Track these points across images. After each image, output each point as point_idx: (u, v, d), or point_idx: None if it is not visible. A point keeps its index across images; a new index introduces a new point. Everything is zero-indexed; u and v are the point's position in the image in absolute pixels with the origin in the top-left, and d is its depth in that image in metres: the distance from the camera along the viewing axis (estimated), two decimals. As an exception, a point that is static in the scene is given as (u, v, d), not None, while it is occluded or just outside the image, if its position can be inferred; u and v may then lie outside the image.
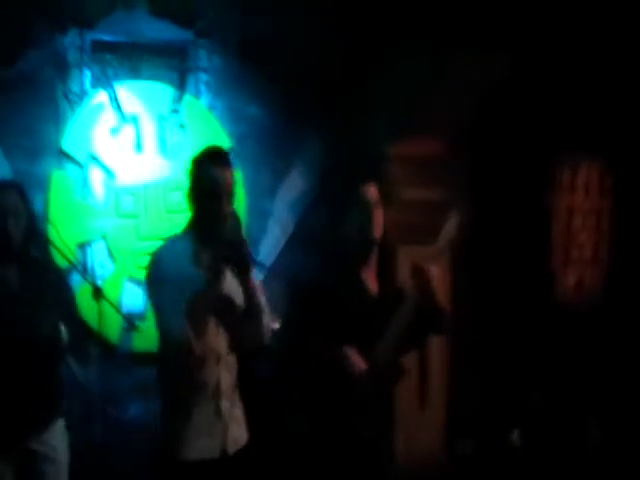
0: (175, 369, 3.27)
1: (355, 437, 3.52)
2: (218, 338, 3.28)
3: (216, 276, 3.10)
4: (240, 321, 3.31)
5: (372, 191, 3.62)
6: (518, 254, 5.46)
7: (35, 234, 3.83)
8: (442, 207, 5.31)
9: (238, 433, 3.40)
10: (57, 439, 3.71)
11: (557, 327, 5.38)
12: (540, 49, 5.06)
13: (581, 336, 5.33)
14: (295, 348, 3.67)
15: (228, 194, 3.24)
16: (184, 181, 4.99)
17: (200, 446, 3.26)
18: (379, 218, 3.61)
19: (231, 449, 3.33)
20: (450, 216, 3.55)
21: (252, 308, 3.30)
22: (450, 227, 3.55)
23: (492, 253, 5.42)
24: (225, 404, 3.32)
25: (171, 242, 3.33)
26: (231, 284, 3.29)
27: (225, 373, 3.34)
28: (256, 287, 3.30)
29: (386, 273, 3.73)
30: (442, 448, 5.15)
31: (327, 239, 3.87)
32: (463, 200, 3.66)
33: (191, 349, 3.10)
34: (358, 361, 3.51)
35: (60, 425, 3.73)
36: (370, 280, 3.68)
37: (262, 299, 3.33)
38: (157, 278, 3.21)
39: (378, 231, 3.60)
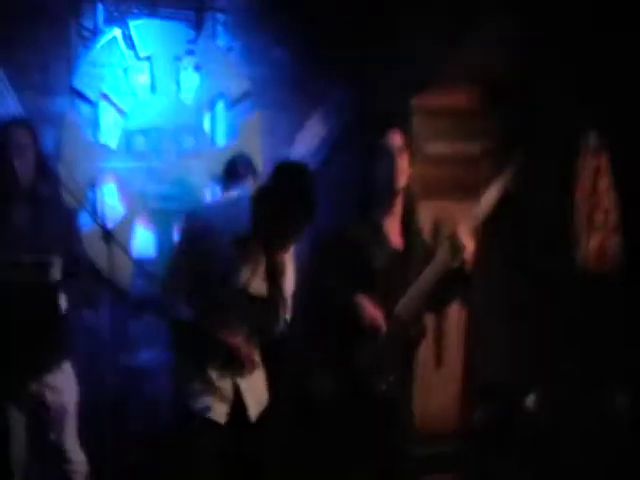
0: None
1: (376, 397, 3.47)
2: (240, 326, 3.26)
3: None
4: (259, 312, 3.27)
5: (397, 138, 3.52)
6: (541, 215, 5.32)
7: (45, 173, 3.74)
8: (471, 162, 5.22)
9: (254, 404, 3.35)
10: (63, 381, 3.64)
11: (577, 292, 5.25)
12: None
13: (602, 302, 5.21)
14: (316, 296, 3.56)
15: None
16: (198, 125, 5.03)
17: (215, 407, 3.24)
18: (403, 166, 3.51)
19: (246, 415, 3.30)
20: (494, 181, 3.44)
21: (273, 302, 3.24)
22: (493, 191, 3.45)
23: (514, 212, 5.28)
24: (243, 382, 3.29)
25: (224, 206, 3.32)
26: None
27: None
28: (283, 286, 3.24)
29: (410, 224, 3.62)
30: (458, 411, 5.06)
31: (350, 186, 3.76)
32: (512, 165, 3.51)
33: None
34: (374, 311, 3.40)
35: (66, 367, 3.65)
36: (393, 230, 3.61)
37: (285, 293, 3.27)
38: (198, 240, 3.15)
39: (402, 179, 3.51)
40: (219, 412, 3.24)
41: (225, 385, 3.26)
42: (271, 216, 3.03)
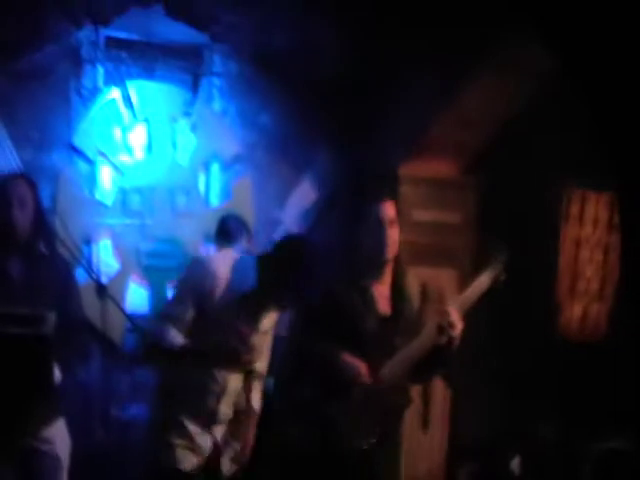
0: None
1: (357, 458, 3.44)
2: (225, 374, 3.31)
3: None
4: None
5: (389, 209, 3.52)
6: (524, 283, 5.39)
7: (42, 227, 3.74)
8: (453, 230, 5.31)
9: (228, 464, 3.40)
10: (56, 432, 3.59)
11: (560, 358, 5.31)
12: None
13: (584, 369, 5.27)
14: (300, 352, 3.61)
15: None
16: (192, 185, 5.12)
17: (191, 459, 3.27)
18: (395, 236, 3.51)
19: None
20: (487, 267, 3.47)
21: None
22: (484, 279, 3.45)
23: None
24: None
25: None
26: None
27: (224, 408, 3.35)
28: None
29: (401, 290, 3.64)
30: (443, 473, 5.06)
31: (340, 252, 3.80)
32: (504, 252, 3.57)
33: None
34: (358, 362, 3.42)
35: (60, 423, 3.63)
36: (381, 296, 3.59)
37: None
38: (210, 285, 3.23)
39: (393, 250, 3.52)
40: (191, 464, 3.27)
41: (203, 442, 3.30)
42: (273, 281, 3.18)
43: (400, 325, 3.54)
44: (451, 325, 3.36)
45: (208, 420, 3.31)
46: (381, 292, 3.59)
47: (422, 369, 3.51)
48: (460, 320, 3.38)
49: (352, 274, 3.57)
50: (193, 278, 3.31)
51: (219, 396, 3.31)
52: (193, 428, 3.27)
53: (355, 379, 3.41)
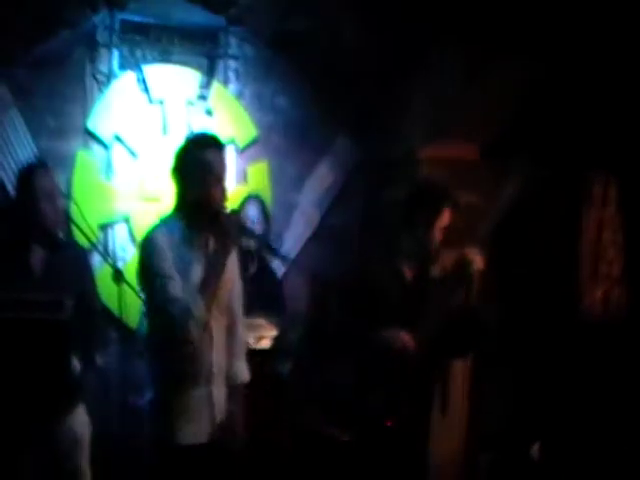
0: (172, 352, 3.20)
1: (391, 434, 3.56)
2: (212, 321, 3.25)
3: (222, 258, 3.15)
4: None
5: (446, 217, 3.73)
6: (546, 266, 5.35)
7: (62, 216, 3.75)
8: (473, 212, 5.27)
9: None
10: (77, 421, 3.64)
11: (582, 341, 5.26)
12: (577, 56, 4.96)
13: (606, 351, 5.22)
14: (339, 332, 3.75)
15: (222, 179, 3.24)
16: None
17: (191, 431, 3.22)
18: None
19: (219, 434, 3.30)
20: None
21: None
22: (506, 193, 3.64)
23: (518, 263, 5.32)
24: (216, 390, 3.29)
25: (162, 224, 3.29)
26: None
27: (218, 358, 3.30)
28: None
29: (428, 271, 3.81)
30: (462, 459, 5.04)
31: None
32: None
33: (207, 325, 3.13)
34: (403, 334, 3.58)
35: (80, 409, 3.65)
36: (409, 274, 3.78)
37: None
38: (159, 256, 3.15)
39: (436, 249, 3.77)
40: (202, 433, 3.24)
41: (203, 407, 3.25)
42: None
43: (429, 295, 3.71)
44: (471, 262, 3.60)
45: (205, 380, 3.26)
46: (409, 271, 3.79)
47: (455, 342, 3.70)
48: (480, 257, 3.61)
49: (388, 257, 3.79)
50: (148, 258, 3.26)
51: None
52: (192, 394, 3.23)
53: (402, 350, 3.55)
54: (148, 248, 3.19)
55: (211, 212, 3.17)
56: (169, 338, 3.18)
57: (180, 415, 3.21)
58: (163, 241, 3.16)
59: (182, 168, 3.26)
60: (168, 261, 3.13)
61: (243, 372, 3.45)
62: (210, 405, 3.27)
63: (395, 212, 3.92)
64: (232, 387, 3.37)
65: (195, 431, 3.23)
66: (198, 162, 3.20)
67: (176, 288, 3.11)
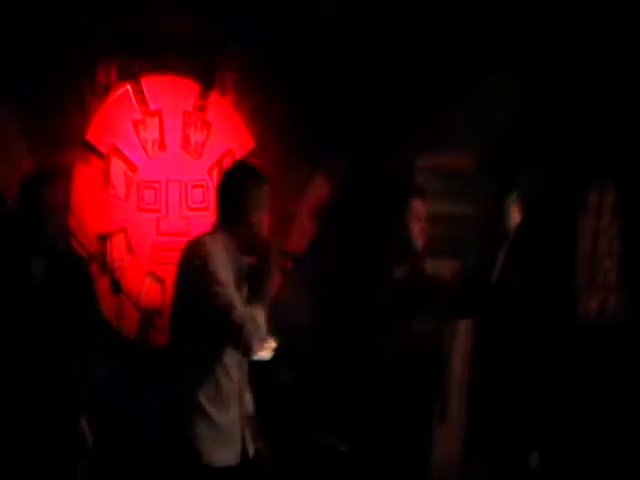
0: (213, 365, 3.16)
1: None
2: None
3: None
4: None
5: (421, 206, 3.83)
6: (542, 275, 5.37)
7: (62, 227, 3.76)
8: (467, 222, 5.29)
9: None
10: (83, 428, 3.67)
11: (578, 350, 5.28)
12: (571, 68, 4.99)
13: (602, 360, 5.24)
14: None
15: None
16: (206, 179, 5.11)
17: (225, 455, 3.16)
18: (425, 231, 3.84)
19: (250, 452, 3.26)
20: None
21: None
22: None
23: (515, 272, 5.33)
24: (245, 409, 3.26)
25: (208, 235, 3.27)
26: None
27: (243, 376, 3.28)
28: None
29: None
30: (458, 467, 5.05)
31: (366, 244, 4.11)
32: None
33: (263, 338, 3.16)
34: None
35: (81, 418, 3.66)
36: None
37: None
38: (215, 261, 3.11)
39: (420, 243, 3.85)
40: (232, 456, 3.19)
41: (233, 427, 3.20)
42: None
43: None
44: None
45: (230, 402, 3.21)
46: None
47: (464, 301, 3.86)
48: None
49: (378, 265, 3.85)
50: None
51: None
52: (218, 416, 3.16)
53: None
54: (203, 251, 3.15)
55: (251, 235, 3.24)
56: (218, 350, 3.15)
57: (216, 436, 3.14)
58: (218, 249, 3.15)
59: (240, 197, 3.28)
60: (225, 268, 3.12)
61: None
62: (241, 426, 3.23)
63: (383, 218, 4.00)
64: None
65: (229, 454, 3.18)
66: (256, 198, 3.26)
67: (233, 296, 3.09)
